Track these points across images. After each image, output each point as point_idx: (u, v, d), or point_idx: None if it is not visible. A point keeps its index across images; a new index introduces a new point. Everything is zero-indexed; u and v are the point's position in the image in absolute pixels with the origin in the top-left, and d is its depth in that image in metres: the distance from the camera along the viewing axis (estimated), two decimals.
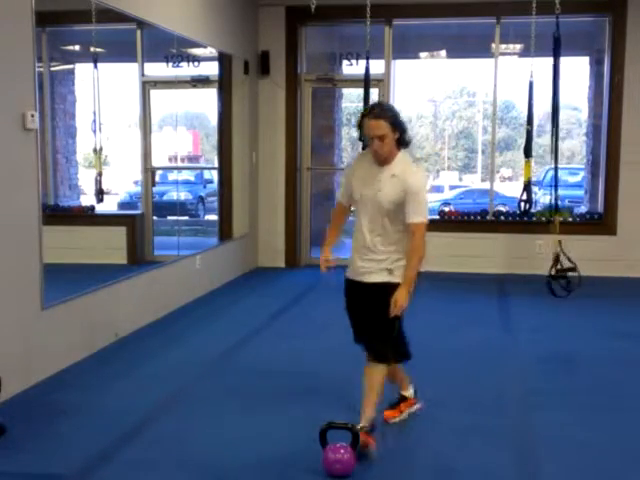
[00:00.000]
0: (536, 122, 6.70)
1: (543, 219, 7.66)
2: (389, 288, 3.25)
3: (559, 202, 6.80)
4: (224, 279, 7.35)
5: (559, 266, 6.59)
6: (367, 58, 6.73)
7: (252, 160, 8.18)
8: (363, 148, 6.73)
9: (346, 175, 3.49)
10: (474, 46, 9.64)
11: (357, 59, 8.03)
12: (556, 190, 6.68)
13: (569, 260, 6.53)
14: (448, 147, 33.34)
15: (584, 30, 9.10)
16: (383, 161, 3.26)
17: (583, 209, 9.40)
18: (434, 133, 34.14)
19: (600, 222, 7.98)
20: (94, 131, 5.25)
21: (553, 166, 6.58)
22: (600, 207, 8.16)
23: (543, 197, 14.34)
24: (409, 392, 3.73)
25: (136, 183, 6.69)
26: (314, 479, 3.04)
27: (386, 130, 3.18)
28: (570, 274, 6.54)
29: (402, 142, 3.28)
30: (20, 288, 4.05)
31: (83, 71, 5.57)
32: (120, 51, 6.27)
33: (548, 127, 6.75)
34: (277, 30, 8.18)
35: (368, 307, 3.36)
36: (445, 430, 3.58)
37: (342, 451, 3.01)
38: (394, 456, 3.26)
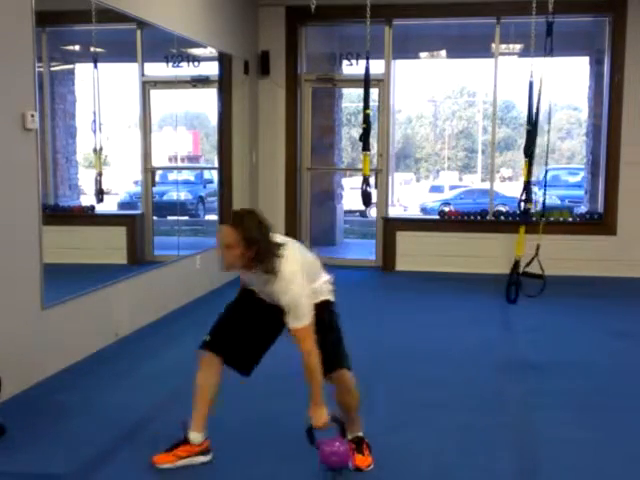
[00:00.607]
0: None
1: (543, 219, 7.65)
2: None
3: (546, 202, 6.68)
4: (224, 279, 7.34)
5: (528, 268, 6.41)
6: (367, 58, 6.72)
7: (252, 160, 8.18)
8: (363, 149, 6.77)
9: None
10: (474, 46, 9.64)
11: (357, 59, 8.04)
12: (527, 191, 6.52)
13: (541, 267, 6.36)
14: (448, 147, 33.36)
15: (584, 30, 9.10)
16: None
17: (583, 209, 9.40)
18: (434, 133, 34.17)
19: (600, 222, 7.98)
20: (94, 131, 5.24)
21: (557, 166, 6.55)
22: (600, 207, 8.16)
23: (543, 197, 14.35)
24: (196, 436, 3.13)
25: (136, 183, 6.69)
26: (311, 478, 3.04)
27: (232, 242, 2.83)
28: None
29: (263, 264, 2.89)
30: (20, 288, 4.05)
31: (83, 71, 5.57)
32: (120, 51, 6.28)
33: (547, 127, 6.72)
34: (277, 30, 8.18)
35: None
36: (444, 430, 3.58)
37: (337, 444, 2.96)
38: (394, 456, 3.26)
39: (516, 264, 6.42)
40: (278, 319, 2.98)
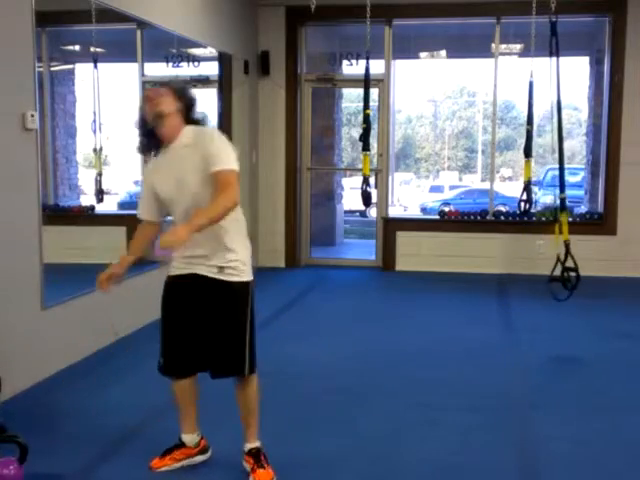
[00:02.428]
0: (536, 122, 6.65)
1: (543, 219, 7.63)
2: (232, 287, 2.87)
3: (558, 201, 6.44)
4: None
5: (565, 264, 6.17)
6: (367, 58, 6.72)
7: (252, 160, 8.18)
8: (363, 149, 6.78)
9: (145, 185, 3.01)
10: (474, 46, 9.65)
11: (357, 59, 8.05)
12: (562, 189, 6.26)
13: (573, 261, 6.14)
14: (448, 147, 33.39)
15: (584, 30, 9.11)
16: (167, 140, 2.88)
17: (583, 209, 9.40)
18: (434, 133, 34.20)
19: (600, 222, 7.99)
20: (94, 131, 5.24)
21: (557, 165, 6.33)
22: (600, 207, 8.17)
23: (543, 197, 14.38)
24: (190, 438, 3.14)
25: (136, 183, 6.69)
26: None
27: (162, 93, 2.85)
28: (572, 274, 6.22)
29: (189, 117, 2.91)
30: (20, 288, 4.05)
31: (83, 71, 5.57)
32: (120, 51, 6.27)
33: (548, 127, 6.70)
34: (277, 30, 8.18)
35: (208, 312, 2.90)
36: (445, 430, 3.58)
37: (11, 467, 2.80)
38: (394, 456, 3.26)
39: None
40: (210, 311, 2.89)
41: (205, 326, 2.93)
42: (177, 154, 2.87)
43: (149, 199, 2.99)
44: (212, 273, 2.88)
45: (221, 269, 2.86)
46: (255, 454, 2.99)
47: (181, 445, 3.13)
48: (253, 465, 2.96)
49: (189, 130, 2.89)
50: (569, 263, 5.74)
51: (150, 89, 2.96)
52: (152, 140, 2.93)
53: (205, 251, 2.86)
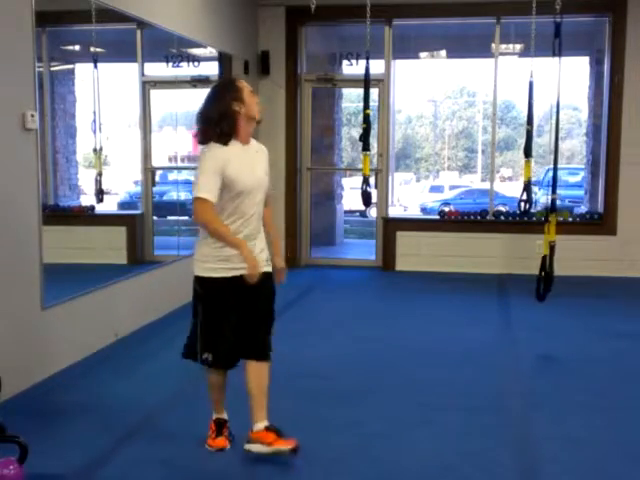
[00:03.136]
0: (536, 122, 6.64)
1: (543, 219, 7.62)
2: (272, 276, 3.34)
3: (558, 202, 6.41)
4: None
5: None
6: (367, 58, 6.72)
7: None
8: (363, 149, 6.76)
9: (215, 170, 3.06)
10: (474, 46, 9.65)
11: (357, 59, 8.05)
12: (554, 190, 6.32)
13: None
14: (448, 147, 33.39)
15: (584, 30, 9.11)
16: (243, 140, 3.21)
17: (583, 209, 9.40)
18: (434, 133, 34.20)
19: (600, 222, 7.99)
20: (94, 131, 5.24)
21: (552, 166, 6.34)
22: (600, 207, 8.17)
23: (543, 197, 14.39)
24: (225, 415, 3.44)
25: (136, 183, 6.69)
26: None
27: None
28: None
29: None
30: (20, 288, 4.05)
31: (83, 71, 5.57)
32: (120, 51, 6.27)
33: (548, 127, 6.69)
34: (277, 30, 8.19)
35: (263, 300, 3.27)
36: (445, 430, 3.58)
37: (11, 467, 2.79)
38: (394, 456, 3.26)
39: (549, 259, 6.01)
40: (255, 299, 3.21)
41: (256, 316, 3.25)
42: (253, 154, 3.22)
43: (217, 183, 3.06)
44: (266, 266, 3.25)
45: (268, 261, 3.29)
46: (275, 429, 3.18)
47: (224, 421, 3.37)
48: (276, 437, 3.15)
49: (254, 140, 3.28)
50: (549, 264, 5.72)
51: (249, 87, 3.32)
52: (229, 131, 3.17)
53: (262, 245, 3.26)
